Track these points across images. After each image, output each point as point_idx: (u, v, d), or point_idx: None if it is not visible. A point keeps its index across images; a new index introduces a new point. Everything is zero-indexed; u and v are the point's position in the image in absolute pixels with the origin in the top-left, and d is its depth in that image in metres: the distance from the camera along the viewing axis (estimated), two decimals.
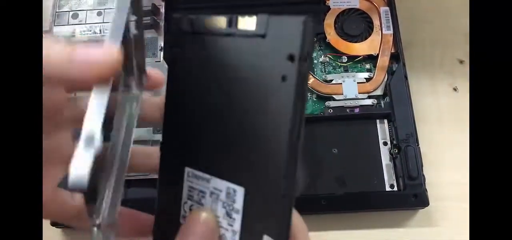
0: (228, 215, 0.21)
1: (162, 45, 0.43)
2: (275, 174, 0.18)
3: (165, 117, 0.23)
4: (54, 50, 0.17)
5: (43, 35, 0.18)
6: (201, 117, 0.21)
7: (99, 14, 0.44)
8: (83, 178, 0.15)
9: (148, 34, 0.43)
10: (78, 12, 0.44)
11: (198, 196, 0.22)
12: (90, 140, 0.16)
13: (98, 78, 0.17)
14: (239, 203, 0.20)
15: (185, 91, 0.22)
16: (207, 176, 0.21)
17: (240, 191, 0.20)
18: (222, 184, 0.21)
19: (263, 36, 0.19)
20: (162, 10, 0.44)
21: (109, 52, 0.17)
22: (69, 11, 0.44)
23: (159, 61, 0.42)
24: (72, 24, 0.44)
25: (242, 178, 0.20)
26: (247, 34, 0.19)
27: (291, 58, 0.17)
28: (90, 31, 0.43)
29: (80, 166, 0.15)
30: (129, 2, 0.19)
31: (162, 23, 0.43)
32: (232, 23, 0.20)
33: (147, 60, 0.42)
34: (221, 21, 0.20)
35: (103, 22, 0.44)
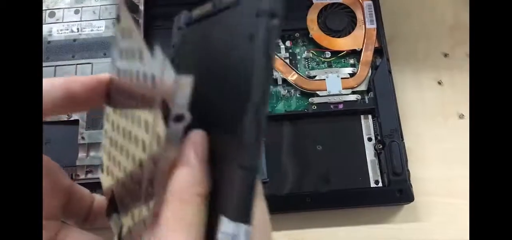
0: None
1: None
2: (236, 143, 0.16)
3: None
4: None
5: None
6: (194, 100, 0.19)
7: (76, 12, 0.43)
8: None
9: None
10: (55, 10, 0.43)
11: None
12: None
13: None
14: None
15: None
16: None
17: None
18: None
19: (237, 3, 0.18)
20: (141, 7, 0.43)
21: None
22: (46, 10, 0.43)
23: None
24: (49, 23, 0.43)
25: (214, 155, 0.19)
26: (227, 7, 0.19)
27: (257, 15, 0.16)
28: (68, 29, 0.42)
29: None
30: None
31: (141, 21, 0.42)
32: (214, 2, 0.20)
33: None
34: (206, 6, 0.20)
35: (81, 20, 0.43)
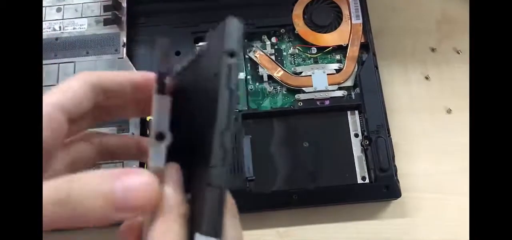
0: None
1: (125, 41, 0.41)
2: (204, 165, 0.18)
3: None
4: (92, 201, 0.17)
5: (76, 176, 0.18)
6: (178, 139, 0.22)
7: (58, 10, 0.43)
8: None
9: (110, 30, 0.42)
10: None
11: None
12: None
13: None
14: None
15: (173, 123, 0.23)
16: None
17: (188, 197, 0.20)
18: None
19: (208, 49, 0.21)
20: (124, 4, 0.42)
21: (150, 192, 0.18)
22: None
23: (122, 57, 0.40)
24: None
25: (192, 183, 0.20)
26: (201, 54, 0.22)
27: (219, 56, 0.19)
28: (50, 28, 0.42)
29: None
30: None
31: (123, 18, 0.42)
32: (195, 53, 0.23)
33: (109, 57, 0.41)
34: (189, 57, 0.23)
35: (63, 19, 0.42)
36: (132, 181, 0.17)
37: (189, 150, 0.21)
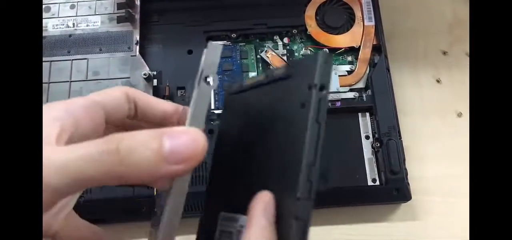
0: None
1: (138, 38, 0.41)
2: (288, 194, 0.19)
3: (212, 166, 0.25)
4: (142, 152, 0.17)
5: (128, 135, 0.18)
6: (239, 160, 0.23)
7: (72, 7, 0.43)
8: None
9: (124, 28, 0.42)
10: (51, 5, 0.43)
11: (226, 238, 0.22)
12: None
13: (189, 171, 0.19)
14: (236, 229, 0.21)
15: (228, 142, 0.24)
16: (236, 216, 0.22)
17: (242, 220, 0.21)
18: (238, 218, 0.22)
19: (288, 76, 0.21)
20: (137, 2, 0.42)
21: (198, 143, 0.18)
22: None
23: (135, 55, 0.41)
24: (45, 18, 0.42)
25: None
26: (279, 78, 0.22)
27: (309, 87, 0.19)
28: (63, 25, 0.42)
29: None
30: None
31: (137, 16, 0.42)
32: (267, 74, 0.23)
33: (122, 54, 0.41)
34: (258, 77, 0.24)
35: (76, 16, 0.42)
36: (180, 133, 0.18)
37: (253, 168, 0.21)
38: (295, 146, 0.19)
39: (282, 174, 0.20)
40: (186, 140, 0.18)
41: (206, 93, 0.20)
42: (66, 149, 0.18)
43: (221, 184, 0.25)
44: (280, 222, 0.19)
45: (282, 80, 0.22)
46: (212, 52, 0.20)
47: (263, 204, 0.20)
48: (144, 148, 0.17)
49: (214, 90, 0.22)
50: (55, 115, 0.19)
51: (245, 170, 0.22)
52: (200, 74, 0.20)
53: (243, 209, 0.21)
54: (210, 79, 0.20)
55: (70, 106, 0.20)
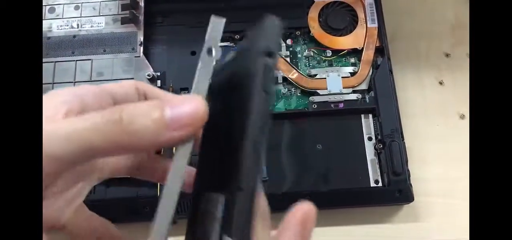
0: (217, 227, 0.20)
1: (142, 39, 0.41)
2: (236, 168, 0.17)
3: (198, 153, 0.25)
4: (144, 120, 0.18)
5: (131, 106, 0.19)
6: (214, 142, 0.22)
7: (76, 8, 0.43)
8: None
9: (128, 29, 0.42)
10: (55, 6, 0.43)
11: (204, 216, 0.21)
12: None
13: (190, 136, 0.19)
14: (219, 212, 0.20)
15: (210, 126, 0.23)
16: (212, 195, 0.21)
17: (221, 199, 0.19)
18: (216, 197, 0.20)
19: (248, 46, 0.20)
20: (141, 4, 0.42)
21: (198, 109, 0.19)
22: (45, 5, 0.43)
23: (139, 56, 0.41)
24: (49, 19, 0.42)
25: (223, 184, 0.20)
26: (242, 50, 0.21)
27: (255, 55, 0.18)
28: (68, 25, 0.42)
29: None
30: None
31: (141, 17, 0.42)
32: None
33: (126, 55, 0.41)
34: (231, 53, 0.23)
35: (81, 16, 0.43)
36: (181, 100, 0.19)
37: (221, 152, 0.20)
38: (242, 119, 0.18)
39: (231, 151, 0.18)
40: (187, 106, 0.19)
41: (209, 64, 0.20)
42: (70, 119, 0.18)
43: (205, 169, 0.24)
44: (229, 200, 0.18)
45: (241, 54, 0.21)
46: (215, 26, 0.20)
47: (302, 215, 0.20)
48: (146, 117, 0.18)
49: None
50: (63, 99, 0.19)
51: (220, 150, 0.21)
52: (204, 47, 0.20)
53: (216, 186, 0.20)
54: (212, 51, 0.20)
55: (79, 91, 0.20)
